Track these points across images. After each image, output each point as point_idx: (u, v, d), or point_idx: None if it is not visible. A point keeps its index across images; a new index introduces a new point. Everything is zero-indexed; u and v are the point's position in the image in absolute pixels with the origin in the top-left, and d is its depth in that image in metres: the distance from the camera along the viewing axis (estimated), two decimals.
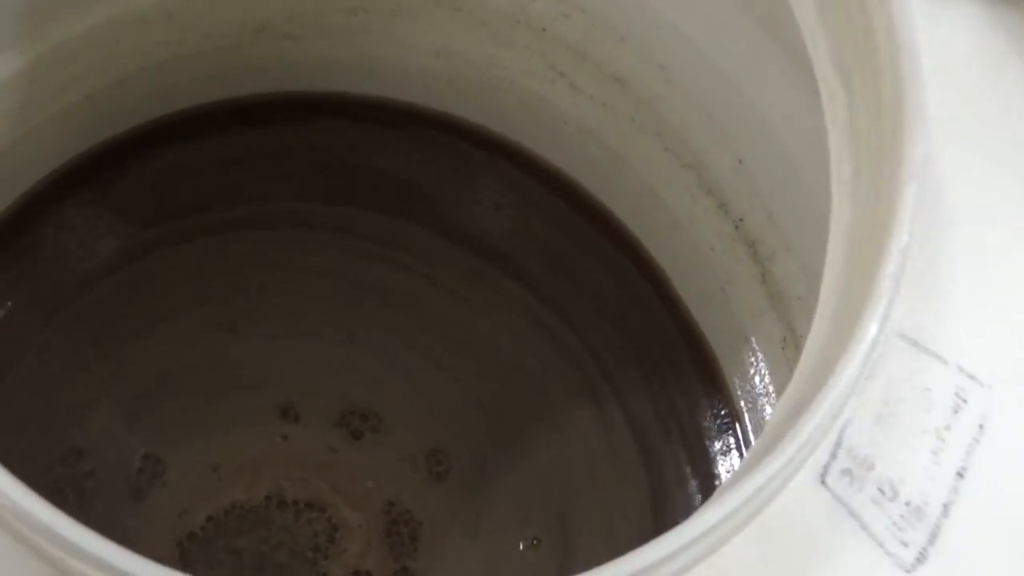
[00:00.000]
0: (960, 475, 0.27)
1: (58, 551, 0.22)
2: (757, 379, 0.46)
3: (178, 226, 0.49)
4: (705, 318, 0.49)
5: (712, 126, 0.44)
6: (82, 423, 0.45)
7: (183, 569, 0.43)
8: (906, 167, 0.26)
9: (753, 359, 0.46)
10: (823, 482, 0.26)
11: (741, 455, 0.47)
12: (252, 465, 0.45)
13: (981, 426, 0.28)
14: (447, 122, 0.51)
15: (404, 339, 0.48)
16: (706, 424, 0.47)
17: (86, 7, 0.43)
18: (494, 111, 0.51)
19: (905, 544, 0.26)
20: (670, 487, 0.47)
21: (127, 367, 0.46)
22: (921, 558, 0.26)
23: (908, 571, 0.26)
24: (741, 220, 0.45)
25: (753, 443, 0.44)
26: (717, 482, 0.47)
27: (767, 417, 0.45)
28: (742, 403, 0.47)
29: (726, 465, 0.47)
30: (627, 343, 0.49)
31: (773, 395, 0.45)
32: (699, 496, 0.46)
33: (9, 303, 0.46)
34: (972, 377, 0.28)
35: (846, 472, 0.27)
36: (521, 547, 0.45)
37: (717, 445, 0.47)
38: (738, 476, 0.26)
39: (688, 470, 0.47)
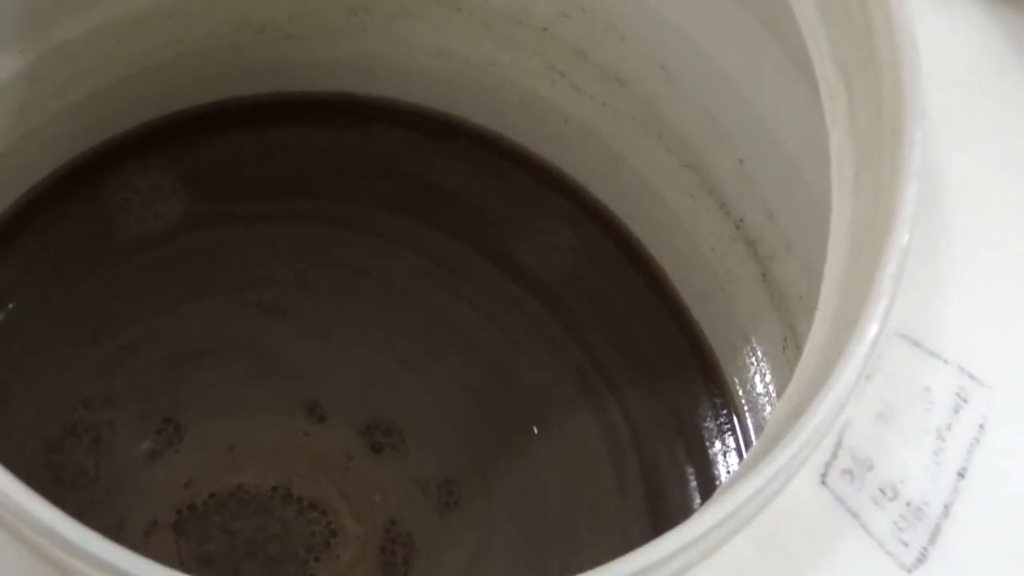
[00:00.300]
0: (961, 475, 0.27)
1: (58, 551, 0.22)
2: (757, 379, 0.46)
3: (242, 208, 0.49)
4: (705, 318, 0.49)
5: (712, 126, 0.44)
6: (116, 373, 0.46)
7: (174, 537, 0.43)
8: (906, 167, 0.26)
9: (753, 359, 0.46)
10: (823, 482, 0.26)
11: (741, 455, 0.47)
12: (267, 453, 0.45)
13: (982, 426, 0.28)
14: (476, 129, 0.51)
15: (448, 368, 0.48)
16: (706, 424, 0.47)
17: (87, 8, 0.43)
18: (494, 111, 0.51)
19: (905, 544, 0.26)
20: (670, 487, 0.47)
21: (169, 331, 0.47)
22: (921, 558, 0.26)
23: (908, 571, 0.26)
24: (741, 220, 0.45)
25: (753, 443, 0.44)
26: (717, 482, 0.47)
27: (767, 417, 0.45)
28: (742, 403, 0.47)
29: (726, 465, 0.47)
30: (627, 343, 0.49)
31: (773, 395, 0.45)
32: (699, 496, 0.46)
33: (69, 252, 0.47)
34: (973, 377, 0.28)
35: (846, 472, 0.27)
36: None
37: (717, 445, 0.47)
38: (738, 476, 0.26)
39: (688, 470, 0.47)
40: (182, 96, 0.49)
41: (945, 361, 0.28)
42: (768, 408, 0.45)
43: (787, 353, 0.43)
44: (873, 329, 0.25)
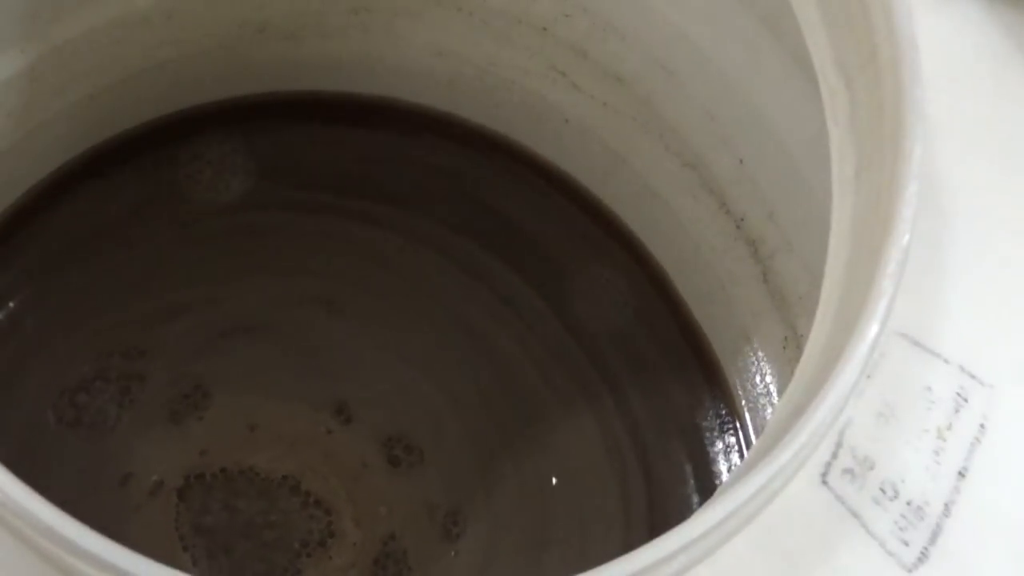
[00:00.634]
0: (961, 474, 0.27)
1: (59, 550, 0.22)
2: (758, 379, 0.46)
3: (312, 197, 0.49)
4: (706, 318, 0.49)
5: (713, 126, 0.44)
6: (158, 331, 0.46)
7: (176, 502, 0.43)
8: (906, 166, 0.26)
9: (754, 359, 0.46)
10: (824, 482, 0.26)
11: (741, 455, 0.47)
12: (286, 441, 0.45)
13: (982, 425, 0.28)
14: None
15: (483, 396, 0.48)
16: (706, 424, 0.47)
17: (87, 7, 0.43)
18: (495, 111, 0.51)
19: (906, 543, 0.26)
20: (670, 487, 0.47)
21: (220, 302, 0.47)
22: (922, 557, 0.26)
23: (909, 570, 0.26)
24: (742, 220, 0.45)
25: (754, 443, 0.44)
26: (717, 482, 0.47)
27: (768, 417, 0.45)
28: (743, 403, 0.47)
29: (726, 465, 0.47)
30: (628, 343, 0.49)
31: (774, 395, 0.45)
32: (699, 496, 0.46)
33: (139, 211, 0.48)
34: (973, 376, 0.28)
35: (847, 472, 0.27)
36: None
37: (717, 445, 0.47)
38: (738, 476, 0.26)
39: (688, 470, 0.47)
40: (182, 96, 0.49)
41: (946, 361, 0.28)
42: (768, 408, 0.45)
43: (787, 353, 0.43)
44: (874, 329, 0.25)
